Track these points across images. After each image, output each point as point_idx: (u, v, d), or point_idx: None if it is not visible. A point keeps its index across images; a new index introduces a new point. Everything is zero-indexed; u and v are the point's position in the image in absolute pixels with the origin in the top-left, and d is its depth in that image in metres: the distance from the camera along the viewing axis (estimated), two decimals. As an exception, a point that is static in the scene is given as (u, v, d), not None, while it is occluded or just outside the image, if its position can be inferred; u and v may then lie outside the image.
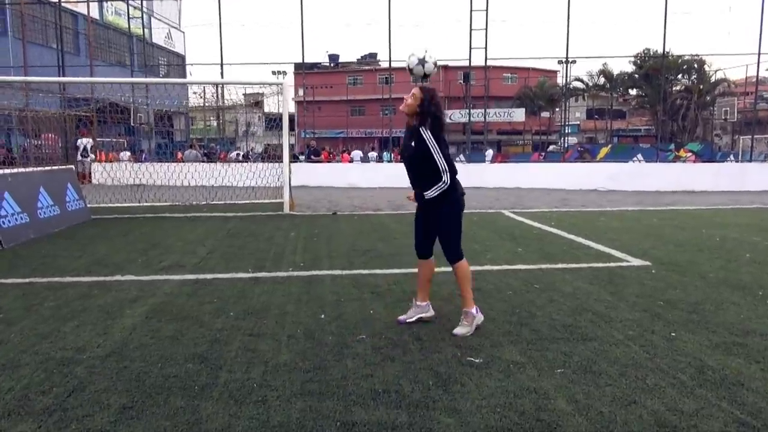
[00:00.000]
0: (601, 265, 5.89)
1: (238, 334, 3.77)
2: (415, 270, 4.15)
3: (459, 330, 3.75)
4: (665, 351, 3.42)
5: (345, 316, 4.17)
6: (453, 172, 3.70)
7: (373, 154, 23.07)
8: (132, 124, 23.64)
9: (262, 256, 6.44)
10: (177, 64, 33.74)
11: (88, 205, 10.24)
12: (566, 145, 31.09)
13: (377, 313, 4.26)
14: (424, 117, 3.69)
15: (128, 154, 21.51)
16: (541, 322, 3.98)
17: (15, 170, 8.12)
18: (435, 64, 3.87)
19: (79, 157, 18.69)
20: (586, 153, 30.61)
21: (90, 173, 17.99)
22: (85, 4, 24.00)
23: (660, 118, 33.62)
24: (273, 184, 11.73)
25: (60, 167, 10.19)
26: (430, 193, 3.70)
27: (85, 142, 19.00)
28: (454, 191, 3.75)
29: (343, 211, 10.88)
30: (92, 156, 18.87)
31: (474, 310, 3.83)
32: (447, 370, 3.15)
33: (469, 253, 6.60)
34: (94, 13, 26.39)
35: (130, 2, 23.68)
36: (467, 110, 20.81)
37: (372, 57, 48.44)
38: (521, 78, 47.29)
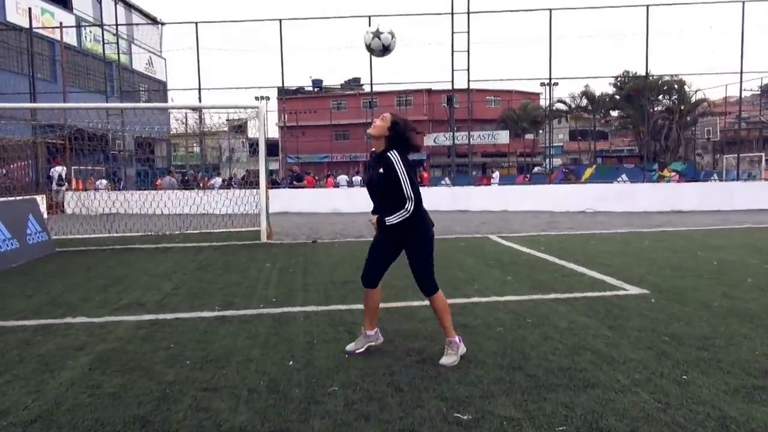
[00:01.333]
0: (596, 294, 5.48)
1: (191, 388, 3.28)
2: (398, 304, 3.77)
3: (445, 360, 3.60)
4: (679, 399, 2.99)
5: (317, 361, 3.70)
6: (418, 201, 3.54)
7: (358, 179, 22.70)
8: (110, 151, 23.11)
9: (232, 291, 5.95)
10: (157, 89, 33.35)
11: (55, 237, 9.71)
12: (551, 167, 31.05)
13: (353, 357, 3.80)
14: (394, 141, 3.58)
15: (105, 182, 20.91)
16: (536, 364, 3.54)
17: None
18: (391, 33, 3.84)
19: (54, 186, 18.11)
20: (571, 174, 30.55)
21: (63, 202, 17.38)
22: (63, 30, 23.63)
23: (643, 139, 33.76)
24: (251, 211, 11.26)
25: (21, 198, 9.65)
26: (391, 219, 3.56)
27: (59, 170, 18.43)
28: (423, 221, 3.64)
29: (324, 238, 10.43)
30: (66, 185, 18.28)
31: (457, 339, 3.71)
32: (431, 430, 2.69)
33: (455, 282, 6.23)
34: (72, 40, 26.01)
35: (107, 29, 23.31)
36: (451, 133, 20.58)
37: (356, 81, 48.48)
38: (504, 100, 47.57)
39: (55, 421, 2.89)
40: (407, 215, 3.52)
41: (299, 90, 51.29)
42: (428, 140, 41.44)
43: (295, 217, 14.99)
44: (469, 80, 18.20)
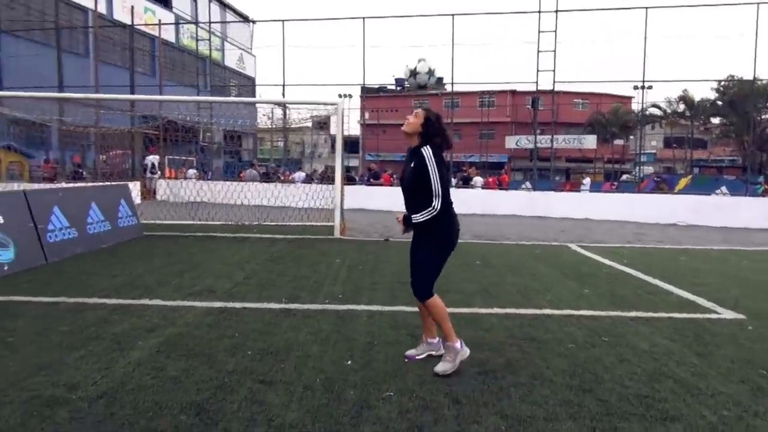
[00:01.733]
0: (684, 315, 5.03)
1: (248, 379, 3.29)
2: (464, 310, 3.60)
3: (440, 367, 3.46)
4: (775, 443, 2.64)
5: (375, 363, 3.62)
6: (446, 201, 3.42)
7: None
8: (200, 143, 24.31)
9: (300, 284, 6.00)
10: (245, 85, 34.73)
11: (144, 221, 10.27)
12: (641, 175, 29.37)
13: (412, 362, 3.68)
14: (428, 137, 3.48)
15: (194, 172, 22.00)
16: (609, 389, 3.26)
17: (67, 185, 8.14)
18: (429, 72, 3.77)
19: (148, 174, 19.28)
20: (663, 184, 28.71)
21: (155, 189, 18.46)
22: (162, 27, 25.11)
23: (748, 149, 31.18)
24: (327, 206, 11.40)
25: (115, 183, 10.27)
26: (417, 217, 3.43)
27: (153, 159, 19.59)
28: (444, 224, 3.49)
29: (397, 237, 10.36)
30: (159, 173, 19.39)
31: (458, 344, 3.54)
32: (486, 450, 2.52)
33: (526, 291, 5.94)
34: (170, 37, 27.59)
35: (202, 26, 24.50)
36: (534, 136, 19.91)
37: (439, 81, 48.20)
38: (593, 103, 45.53)
39: (118, 399, 2.98)
40: (435, 213, 3.38)
41: (381, 88, 51.70)
42: (510, 142, 40.51)
43: (371, 214, 15.04)
44: (554, 81, 17.53)
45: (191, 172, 22.09)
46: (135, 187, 15.29)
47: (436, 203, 3.36)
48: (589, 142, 36.72)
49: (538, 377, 3.41)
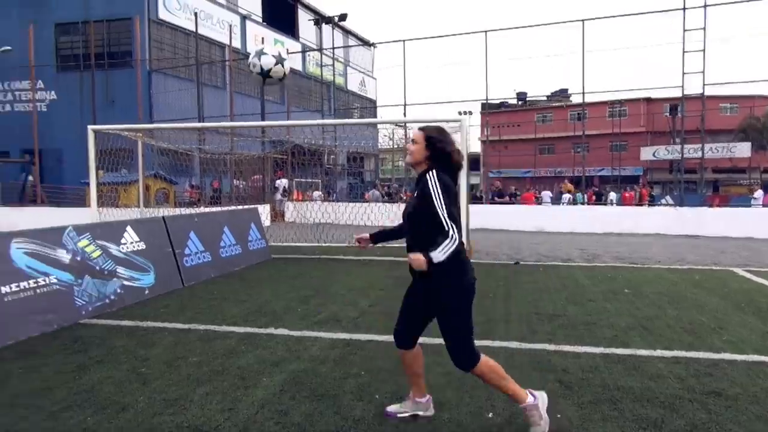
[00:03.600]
0: None
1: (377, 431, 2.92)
2: (621, 351, 2.95)
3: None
4: None
5: (520, 418, 3.08)
6: (459, 230, 2.78)
7: (567, 196, 20.97)
8: (325, 165, 25.08)
9: (428, 313, 5.58)
10: (367, 107, 35.54)
11: (273, 243, 10.52)
12: (810, 185, 25.48)
13: (566, 417, 3.09)
14: (437, 158, 2.94)
15: (319, 193, 22.67)
16: None
17: (201, 210, 8.48)
18: (278, 56, 3.13)
19: (279, 197, 20.16)
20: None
21: (284, 211, 19.19)
22: (292, 56, 26.47)
23: None
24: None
25: (246, 207, 10.64)
26: (438, 255, 2.69)
27: (283, 182, 20.45)
28: (464, 263, 2.87)
29: (527, 260, 9.62)
30: (287, 195, 20.18)
31: (531, 399, 2.93)
32: None
33: (697, 328, 4.98)
34: (297, 65, 28.98)
35: (326, 53, 25.41)
36: (673, 146, 17.96)
37: (563, 92, 46.05)
38: (744, 107, 40.78)
39: (239, 449, 2.74)
40: (455, 245, 2.72)
41: (502, 104, 50.55)
42: (646, 154, 37.39)
43: (496, 234, 14.34)
44: (704, 84, 15.68)
45: (316, 194, 22.79)
46: (264, 210, 15.95)
47: (452, 231, 2.72)
48: (742, 150, 32.73)
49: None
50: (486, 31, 18.17)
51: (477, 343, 4.53)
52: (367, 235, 3.42)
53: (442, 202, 2.77)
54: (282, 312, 5.66)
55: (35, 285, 5.02)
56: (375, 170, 37.16)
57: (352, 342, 4.58)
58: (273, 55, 3.59)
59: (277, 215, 18.74)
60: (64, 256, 5.42)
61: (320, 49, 26.47)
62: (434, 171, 2.89)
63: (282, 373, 3.83)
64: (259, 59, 3.58)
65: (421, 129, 3.03)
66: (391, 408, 3.22)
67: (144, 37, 21.80)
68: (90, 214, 10.41)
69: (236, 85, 23.71)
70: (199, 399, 3.39)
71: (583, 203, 18.38)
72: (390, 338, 4.67)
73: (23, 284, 4.91)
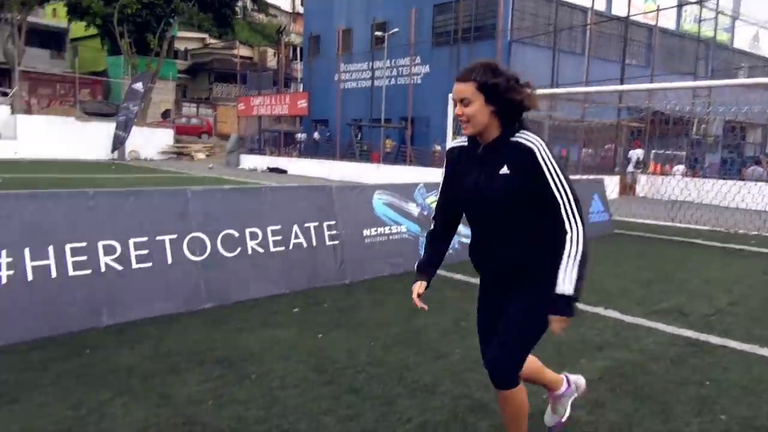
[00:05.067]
0: None
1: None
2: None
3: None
4: None
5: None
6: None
7: None
8: (692, 135, 21.83)
9: (818, 328, 4.24)
10: (757, 66, 29.15)
11: (617, 218, 9.73)
12: None
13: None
14: (511, 109, 1.95)
15: (682, 168, 19.89)
16: None
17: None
18: None
19: (630, 168, 18.53)
20: None
21: (635, 185, 17.57)
22: (664, 14, 23.50)
23: None
24: None
25: (589, 177, 10.03)
26: (566, 286, 1.95)
27: (638, 152, 18.65)
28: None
29: None
30: (642, 167, 18.36)
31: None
32: None
33: None
34: (670, 24, 25.58)
35: (706, 5, 21.67)
36: None
37: None
38: None
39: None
40: (583, 249, 1.95)
41: None
42: None
43: None
44: None
45: (679, 167, 20.06)
46: (612, 181, 14.85)
47: (575, 233, 1.93)
48: None
49: None
50: None
51: None
52: (423, 284, 2.36)
53: (566, 185, 1.93)
54: (617, 293, 5.11)
55: (389, 232, 5.73)
56: (762, 143, 30.59)
57: (699, 343, 3.80)
58: None
59: (627, 188, 17.26)
60: (414, 209, 6.02)
61: (700, 2, 22.76)
62: (531, 134, 1.97)
63: (604, 360, 3.43)
64: None
65: (463, 75, 1.96)
66: (549, 419, 2.49)
67: (507, 8, 22.45)
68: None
69: (596, 50, 22.41)
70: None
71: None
72: (754, 348, 3.73)
73: (380, 230, 5.66)
